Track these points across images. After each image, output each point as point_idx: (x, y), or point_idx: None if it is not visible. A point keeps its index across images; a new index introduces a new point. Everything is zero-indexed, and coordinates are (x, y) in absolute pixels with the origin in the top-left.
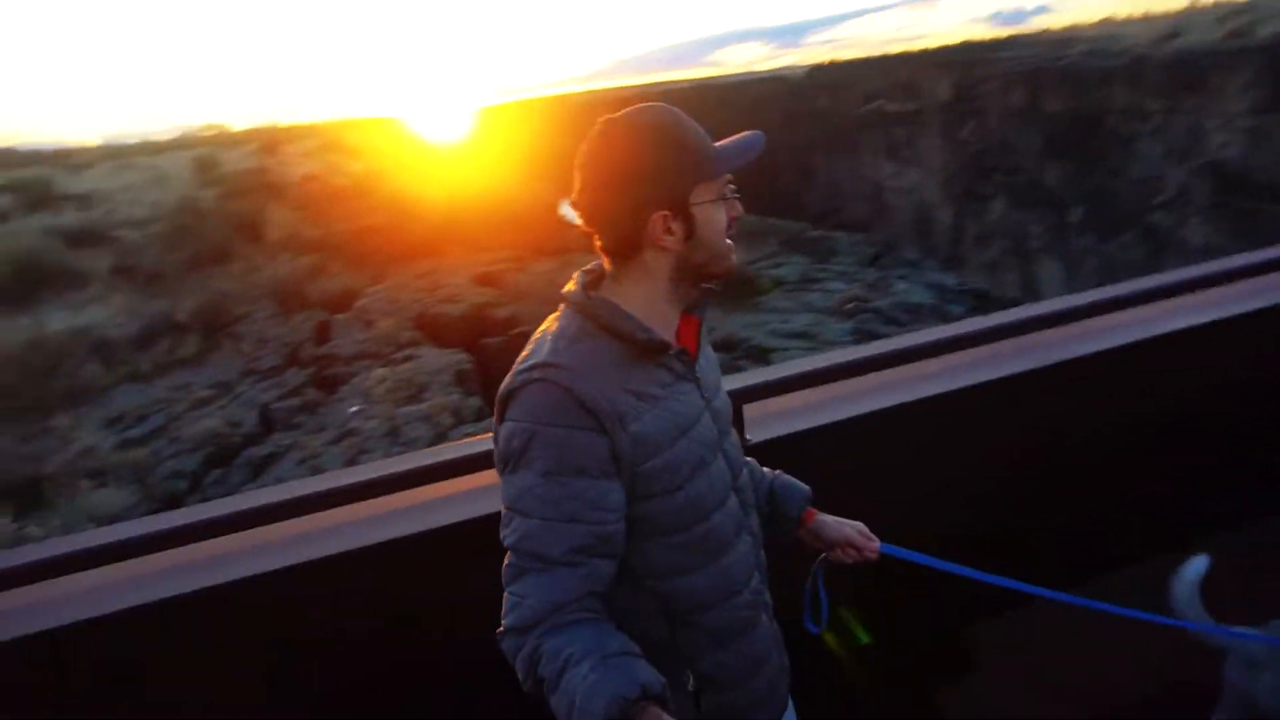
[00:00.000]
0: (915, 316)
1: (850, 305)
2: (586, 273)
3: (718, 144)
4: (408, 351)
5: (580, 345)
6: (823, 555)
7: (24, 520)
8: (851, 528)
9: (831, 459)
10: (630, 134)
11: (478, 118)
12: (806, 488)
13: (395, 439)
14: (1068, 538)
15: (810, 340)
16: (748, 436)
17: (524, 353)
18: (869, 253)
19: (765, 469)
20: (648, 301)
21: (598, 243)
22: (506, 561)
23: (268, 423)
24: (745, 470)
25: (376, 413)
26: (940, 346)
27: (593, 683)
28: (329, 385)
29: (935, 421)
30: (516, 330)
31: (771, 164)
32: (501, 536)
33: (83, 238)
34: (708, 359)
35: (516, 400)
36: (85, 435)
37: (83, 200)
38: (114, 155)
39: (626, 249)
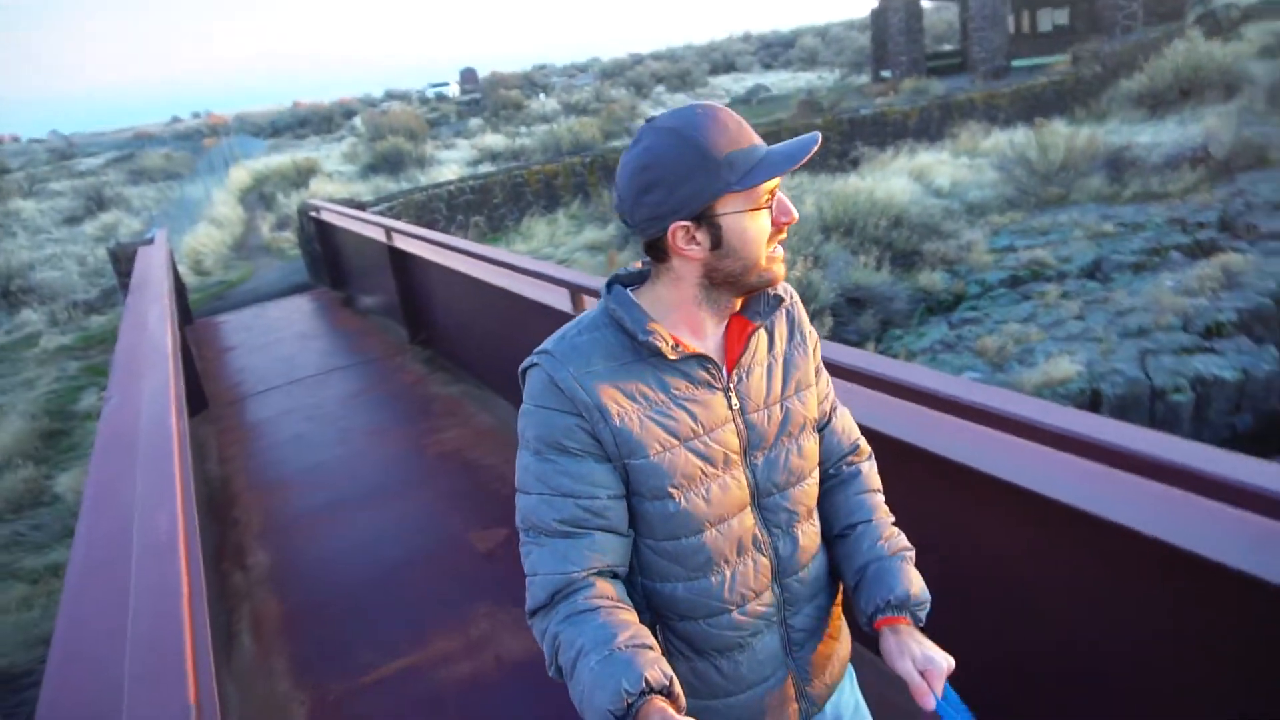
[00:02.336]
0: None
1: None
2: (640, 266)
3: (769, 149)
4: None
5: (583, 336)
6: None
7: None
8: (914, 660)
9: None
10: (656, 142)
11: None
12: (903, 592)
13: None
14: None
15: None
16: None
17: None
18: None
19: (884, 539)
20: (677, 306)
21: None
22: (520, 543)
23: (1092, 272)
24: (788, 490)
25: (1146, 291)
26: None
27: (598, 675)
28: (1207, 252)
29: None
30: None
31: None
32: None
33: None
34: (770, 366)
35: (524, 383)
36: (977, 239)
37: None
38: None
39: (658, 254)
